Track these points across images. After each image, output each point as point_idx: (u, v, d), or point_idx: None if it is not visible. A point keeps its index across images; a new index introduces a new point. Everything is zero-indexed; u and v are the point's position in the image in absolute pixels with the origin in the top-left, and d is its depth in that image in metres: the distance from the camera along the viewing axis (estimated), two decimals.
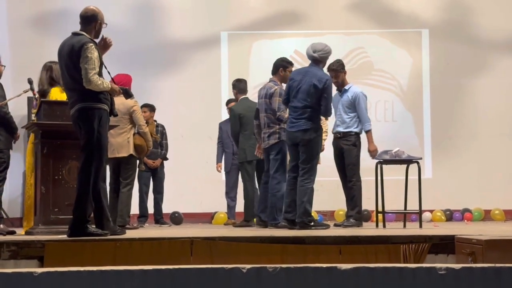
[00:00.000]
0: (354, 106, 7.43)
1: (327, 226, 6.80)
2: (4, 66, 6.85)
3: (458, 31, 11.29)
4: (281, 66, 7.33)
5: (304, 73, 6.73)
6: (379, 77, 11.24)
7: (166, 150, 9.29)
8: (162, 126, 9.35)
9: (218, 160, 9.47)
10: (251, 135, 7.83)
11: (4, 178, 6.68)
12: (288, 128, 6.71)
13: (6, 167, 6.66)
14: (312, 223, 6.58)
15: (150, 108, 9.11)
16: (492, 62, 11.19)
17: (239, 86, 8.39)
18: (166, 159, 9.31)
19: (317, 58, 6.73)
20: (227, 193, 9.43)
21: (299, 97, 6.60)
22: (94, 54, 5.13)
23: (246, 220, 8.12)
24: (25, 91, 6.54)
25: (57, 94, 6.25)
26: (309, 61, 6.89)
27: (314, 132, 6.56)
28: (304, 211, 6.49)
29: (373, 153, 7.42)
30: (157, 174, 9.22)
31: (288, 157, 7.03)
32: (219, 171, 9.51)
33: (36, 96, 6.37)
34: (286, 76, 7.19)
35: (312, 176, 6.60)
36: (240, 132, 8.11)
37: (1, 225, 6.56)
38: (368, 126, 7.45)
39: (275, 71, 7.36)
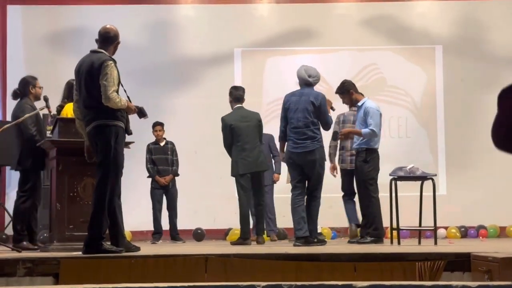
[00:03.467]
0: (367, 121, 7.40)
1: (325, 243, 7.09)
2: (42, 88, 6.95)
3: (472, 47, 11.28)
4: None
5: (299, 94, 6.97)
6: (393, 93, 11.23)
7: (177, 166, 9.32)
8: (172, 143, 9.40)
9: None
10: (244, 146, 7.67)
11: (29, 197, 6.73)
12: (291, 149, 6.86)
13: (32, 187, 6.72)
14: (316, 240, 6.88)
15: (162, 125, 9.28)
16: (506, 78, 11.11)
17: (235, 93, 8.00)
18: (177, 175, 9.33)
19: (311, 83, 7.00)
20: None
21: (298, 117, 6.83)
22: (114, 72, 5.16)
23: (242, 238, 7.65)
24: (41, 109, 6.60)
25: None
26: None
27: (320, 151, 6.88)
28: (315, 229, 6.89)
29: (340, 135, 7.56)
30: (169, 191, 9.24)
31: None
32: None
33: (52, 114, 6.43)
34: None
35: (320, 193, 6.95)
36: (232, 144, 7.76)
37: (25, 242, 6.60)
38: (370, 132, 7.22)
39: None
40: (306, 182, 6.99)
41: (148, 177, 9.23)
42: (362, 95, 7.63)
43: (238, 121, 7.76)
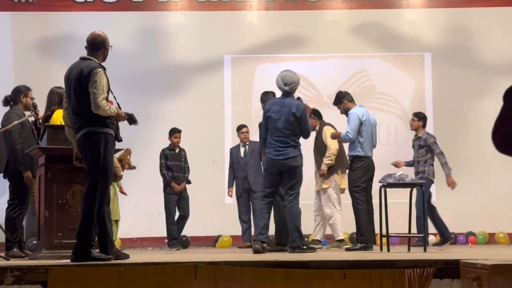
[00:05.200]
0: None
1: (315, 250, 7.05)
2: (34, 98, 6.93)
3: (460, 55, 11.34)
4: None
5: (280, 104, 6.98)
6: (382, 100, 11.27)
7: (189, 173, 9.45)
8: (184, 151, 9.52)
9: (230, 185, 9.66)
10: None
11: (18, 205, 6.71)
12: (273, 156, 6.88)
13: (21, 194, 6.70)
14: (305, 247, 6.86)
15: (180, 132, 9.42)
16: (494, 85, 11.20)
17: (266, 99, 8.04)
18: (189, 182, 9.43)
19: (289, 91, 7.01)
20: (240, 217, 9.50)
21: (280, 126, 6.86)
22: (103, 79, 5.15)
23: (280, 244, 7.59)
24: (29, 116, 6.57)
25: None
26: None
27: (300, 159, 6.93)
28: (299, 235, 6.81)
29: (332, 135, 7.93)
30: (183, 197, 9.34)
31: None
32: (231, 196, 9.69)
33: (40, 121, 6.40)
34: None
35: (298, 199, 6.93)
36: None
37: (15, 249, 6.58)
38: (345, 136, 7.54)
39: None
40: (282, 190, 7.08)
41: (165, 183, 9.30)
42: (355, 104, 7.76)
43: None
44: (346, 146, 8.11)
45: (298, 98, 7.23)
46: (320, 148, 8.70)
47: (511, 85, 1.64)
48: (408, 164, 9.26)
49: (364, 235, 7.40)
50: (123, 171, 7.78)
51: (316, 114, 8.79)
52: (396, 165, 9.09)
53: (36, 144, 6.29)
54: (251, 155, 9.55)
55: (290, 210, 6.85)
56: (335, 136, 8.03)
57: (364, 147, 7.52)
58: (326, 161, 8.53)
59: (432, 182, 9.17)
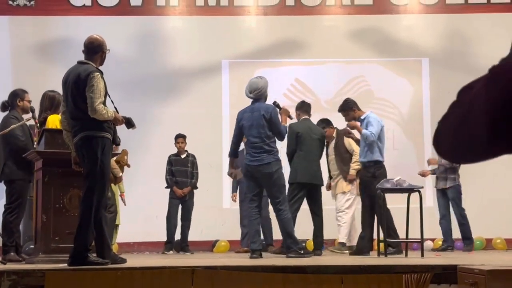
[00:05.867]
0: None
1: (311, 255, 7.04)
2: (30, 101, 6.91)
3: (458, 60, 11.36)
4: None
5: (250, 110, 7.01)
6: (380, 106, 11.27)
7: (196, 179, 9.47)
8: (193, 156, 9.55)
9: (233, 190, 9.76)
10: (306, 157, 7.81)
11: (15, 209, 6.69)
12: (248, 162, 6.92)
13: (17, 198, 6.68)
14: (302, 251, 6.84)
15: (184, 137, 9.51)
16: None
17: (303, 107, 8.18)
18: (196, 188, 9.48)
19: (255, 98, 7.02)
20: (241, 222, 9.52)
21: (253, 133, 6.87)
22: (100, 83, 5.15)
23: (317, 249, 7.71)
24: (27, 119, 6.57)
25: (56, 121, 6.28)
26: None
27: (276, 164, 6.85)
28: (293, 240, 6.78)
29: (350, 125, 7.63)
30: (185, 202, 9.38)
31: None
32: (234, 201, 9.72)
33: (38, 124, 6.39)
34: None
35: (287, 205, 6.88)
36: (295, 151, 7.91)
37: (12, 253, 6.56)
38: (369, 134, 7.35)
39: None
40: (267, 195, 7.14)
41: (166, 187, 9.43)
42: (363, 111, 7.80)
43: (305, 132, 7.91)
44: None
45: (274, 103, 7.18)
46: (341, 155, 8.75)
47: (470, 83, 1.41)
48: (434, 173, 9.58)
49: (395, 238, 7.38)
50: (122, 172, 7.75)
51: (328, 122, 8.79)
52: (423, 174, 9.41)
53: (33, 148, 6.28)
54: None
55: (280, 218, 6.84)
56: (353, 126, 7.68)
57: (382, 153, 7.57)
58: (355, 166, 8.60)
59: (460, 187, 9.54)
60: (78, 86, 5.16)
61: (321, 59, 11.33)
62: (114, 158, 7.35)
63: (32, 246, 7.29)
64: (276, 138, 6.96)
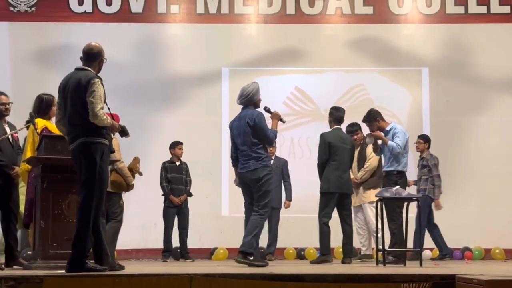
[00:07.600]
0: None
1: (266, 264, 6.78)
2: (10, 103, 6.89)
3: (457, 70, 11.38)
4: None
5: (238, 119, 6.96)
6: None
7: (190, 186, 9.51)
8: (186, 164, 9.59)
9: None
10: (339, 166, 7.84)
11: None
12: (239, 170, 6.93)
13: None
14: (252, 258, 6.61)
15: (182, 144, 9.54)
16: (492, 100, 11.25)
17: (336, 114, 8.10)
18: (191, 195, 9.49)
19: (242, 104, 6.97)
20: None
21: (242, 140, 6.84)
22: (101, 89, 5.16)
23: (323, 254, 7.78)
24: (27, 125, 6.55)
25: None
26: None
27: (263, 170, 6.76)
28: (250, 244, 6.60)
29: (374, 133, 7.71)
30: (182, 210, 9.39)
31: None
32: None
33: (38, 131, 6.37)
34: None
35: (266, 213, 6.77)
36: (327, 160, 7.91)
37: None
38: (395, 146, 7.51)
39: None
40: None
41: (163, 195, 9.42)
42: (387, 122, 7.92)
43: (337, 141, 7.93)
44: None
45: (265, 108, 7.09)
46: (364, 164, 8.78)
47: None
48: (416, 183, 9.75)
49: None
50: (134, 179, 7.71)
51: (360, 126, 8.77)
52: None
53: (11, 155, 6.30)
54: (274, 171, 9.56)
55: (253, 218, 6.66)
56: (378, 137, 7.74)
57: (407, 163, 7.75)
58: (360, 174, 8.69)
59: (432, 200, 9.49)
60: (79, 91, 5.16)
61: (321, 67, 11.35)
62: (127, 165, 7.37)
63: (29, 252, 7.28)
64: (264, 144, 6.85)
